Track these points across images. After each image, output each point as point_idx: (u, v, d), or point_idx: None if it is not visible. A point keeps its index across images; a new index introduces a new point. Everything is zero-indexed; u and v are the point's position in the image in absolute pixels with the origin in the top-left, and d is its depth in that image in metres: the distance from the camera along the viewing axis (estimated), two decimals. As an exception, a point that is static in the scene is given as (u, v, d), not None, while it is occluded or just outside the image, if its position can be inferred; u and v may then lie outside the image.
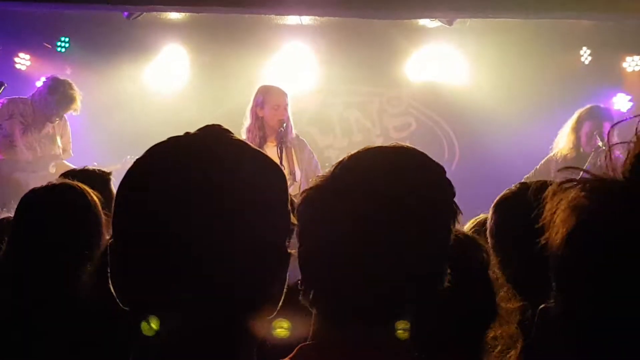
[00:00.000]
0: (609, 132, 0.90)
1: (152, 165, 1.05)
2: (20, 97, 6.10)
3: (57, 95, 5.99)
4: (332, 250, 1.26)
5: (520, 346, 1.64)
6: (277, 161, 5.05)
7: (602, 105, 5.84)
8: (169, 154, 1.06)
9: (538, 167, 5.78)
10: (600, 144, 5.53)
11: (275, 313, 1.08)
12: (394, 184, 1.27)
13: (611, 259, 0.82)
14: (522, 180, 5.67)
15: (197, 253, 0.99)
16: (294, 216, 1.13)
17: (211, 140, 1.07)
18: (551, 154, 5.78)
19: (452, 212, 1.31)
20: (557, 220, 0.87)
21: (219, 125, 1.10)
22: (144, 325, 0.98)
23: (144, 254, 1.01)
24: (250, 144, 1.10)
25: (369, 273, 1.24)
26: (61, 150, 6.19)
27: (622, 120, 0.94)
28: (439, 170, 1.33)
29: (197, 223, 0.99)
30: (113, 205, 1.07)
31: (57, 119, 6.10)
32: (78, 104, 6.04)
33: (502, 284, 1.75)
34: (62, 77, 6.13)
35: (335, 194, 1.29)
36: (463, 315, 1.59)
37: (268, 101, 5.52)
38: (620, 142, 0.87)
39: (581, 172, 0.90)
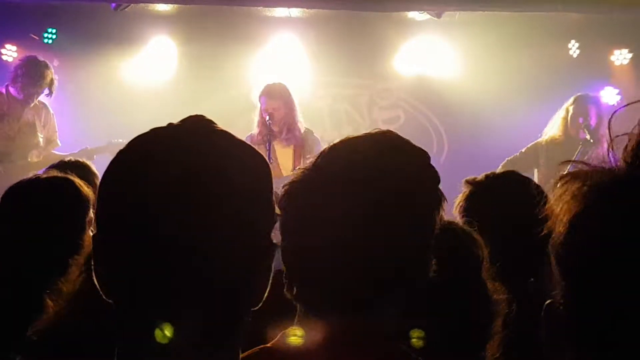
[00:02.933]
0: (609, 122, 0.90)
1: (135, 157, 1.05)
2: None
3: (26, 68, 5.87)
4: (316, 243, 1.26)
5: (500, 337, 1.64)
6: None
7: (590, 94, 5.90)
8: (151, 146, 1.05)
9: (524, 150, 5.84)
10: (587, 137, 5.56)
11: (260, 304, 1.08)
12: (375, 174, 1.27)
13: (614, 245, 0.81)
14: (505, 161, 5.74)
15: (181, 244, 0.99)
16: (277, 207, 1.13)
17: (194, 131, 1.06)
18: (539, 139, 5.85)
19: (436, 199, 1.31)
20: (559, 210, 0.86)
21: (202, 116, 1.10)
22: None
23: (128, 246, 1.01)
24: (234, 135, 1.09)
25: (352, 264, 1.25)
26: (44, 140, 6.07)
27: (618, 109, 0.94)
28: (422, 157, 1.32)
29: (180, 214, 0.99)
30: (96, 197, 1.06)
31: (29, 99, 5.93)
32: (48, 82, 5.89)
33: (492, 274, 1.75)
34: (40, 59, 6.00)
35: (317, 186, 1.29)
36: (460, 314, 1.60)
37: (259, 99, 5.73)
38: (623, 134, 0.87)
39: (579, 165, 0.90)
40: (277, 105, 5.63)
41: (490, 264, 1.77)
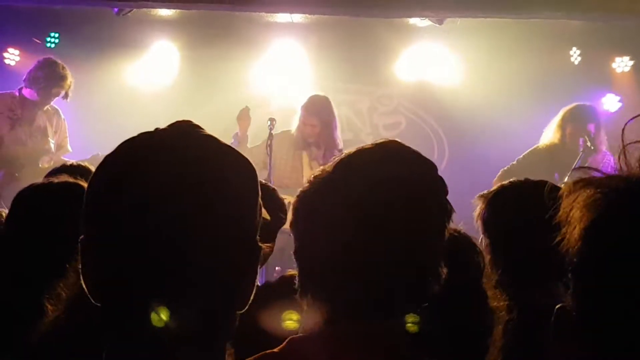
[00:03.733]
0: (623, 132, 0.90)
1: (121, 161, 1.06)
2: (8, 91, 5.93)
3: (47, 69, 5.80)
4: (329, 248, 1.28)
5: (500, 345, 1.64)
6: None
7: (587, 104, 5.84)
8: (138, 150, 1.07)
9: (520, 158, 5.83)
10: (588, 144, 5.56)
11: (246, 307, 1.09)
12: (385, 183, 1.29)
13: (630, 252, 0.81)
14: (501, 171, 5.73)
15: (168, 246, 1.00)
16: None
17: (180, 136, 1.08)
18: (536, 146, 5.84)
19: (446, 210, 1.33)
20: (573, 217, 0.86)
21: (189, 121, 1.12)
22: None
23: (114, 249, 1.02)
24: (220, 140, 1.10)
25: (365, 270, 1.26)
26: (55, 146, 6.02)
27: (629, 121, 0.94)
28: (431, 167, 1.35)
29: (164, 218, 1.00)
30: (84, 201, 1.07)
31: (47, 101, 5.87)
32: (68, 83, 5.83)
33: (493, 282, 1.75)
34: (58, 61, 5.93)
35: (331, 193, 1.31)
36: (457, 321, 1.60)
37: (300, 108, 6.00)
38: (634, 142, 0.88)
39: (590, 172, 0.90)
40: (314, 122, 5.79)
41: (508, 273, 1.79)
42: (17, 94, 5.90)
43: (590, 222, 0.85)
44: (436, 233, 1.31)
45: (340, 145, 5.85)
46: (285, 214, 2.45)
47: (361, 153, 1.36)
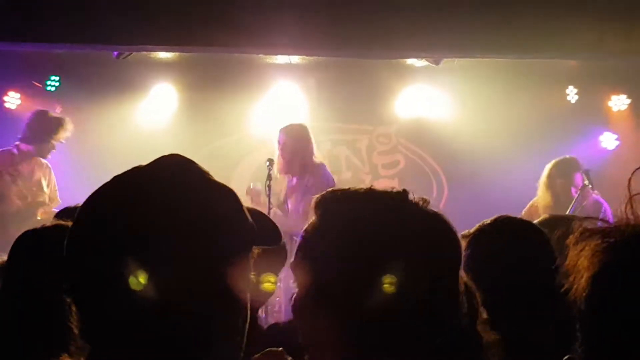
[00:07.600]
0: (629, 182, 0.90)
1: (112, 194, 1.12)
2: (6, 148, 6.08)
3: (46, 122, 5.99)
4: (319, 295, 1.23)
5: None
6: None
7: (568, 157, 5.86)
8: (125, 186, 1.12)
9: (523, 212, 5.86)
10: (586, 182, 5.59)
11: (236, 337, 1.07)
12: (393, 233, 1.24)
13: (637, 300, 0.81)
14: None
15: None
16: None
17: (167, 173, 1.12)
18: (534, 200, 5.87)
19: (460, 256, 1.28)
20: (580, 266, 0.86)
21: (177, 155, 1.16)
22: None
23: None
24: (208, 176, 1.11)
25: (359, 321, 1.20)
26: (48, 198, 6.16)
27: (635, 171, 0.96)
28: (446, 221, 1.30)
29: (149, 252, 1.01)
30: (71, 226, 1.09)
31: (45, 151, 6.05)
32: (69, 127, 6.04)
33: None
34: (54, 114, 6.14)
35: (323, 237, 1.25)
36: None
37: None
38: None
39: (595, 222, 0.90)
40: (281, 139, 5.88)
41: (495, 308, 1.78)
42: (15, 151, 6.05)
43: (597, 271, 0.85)
44: (454, 281, 1.27)
45: (313, 164, 5.85)
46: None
47: (357, 200, 1.28)
